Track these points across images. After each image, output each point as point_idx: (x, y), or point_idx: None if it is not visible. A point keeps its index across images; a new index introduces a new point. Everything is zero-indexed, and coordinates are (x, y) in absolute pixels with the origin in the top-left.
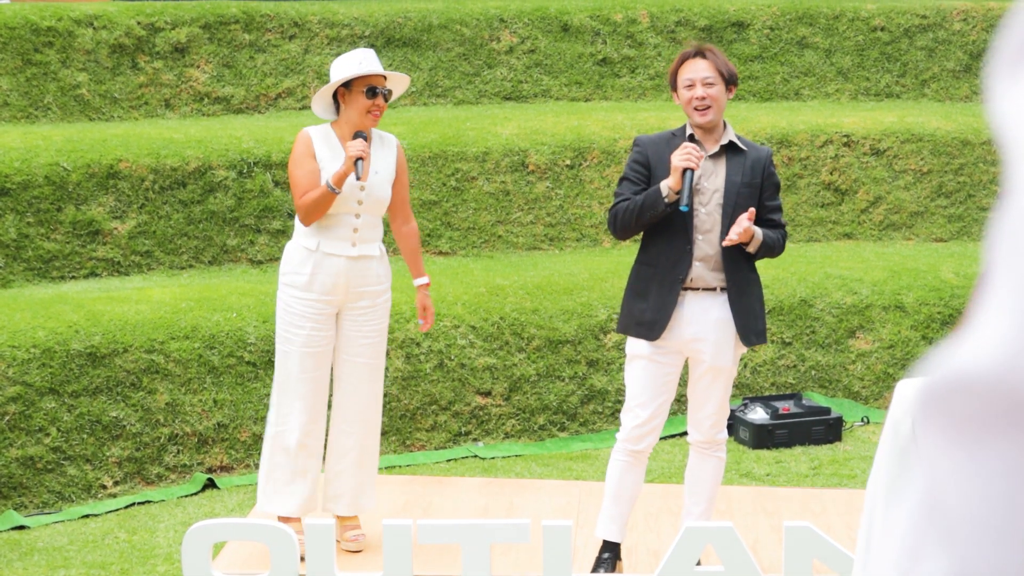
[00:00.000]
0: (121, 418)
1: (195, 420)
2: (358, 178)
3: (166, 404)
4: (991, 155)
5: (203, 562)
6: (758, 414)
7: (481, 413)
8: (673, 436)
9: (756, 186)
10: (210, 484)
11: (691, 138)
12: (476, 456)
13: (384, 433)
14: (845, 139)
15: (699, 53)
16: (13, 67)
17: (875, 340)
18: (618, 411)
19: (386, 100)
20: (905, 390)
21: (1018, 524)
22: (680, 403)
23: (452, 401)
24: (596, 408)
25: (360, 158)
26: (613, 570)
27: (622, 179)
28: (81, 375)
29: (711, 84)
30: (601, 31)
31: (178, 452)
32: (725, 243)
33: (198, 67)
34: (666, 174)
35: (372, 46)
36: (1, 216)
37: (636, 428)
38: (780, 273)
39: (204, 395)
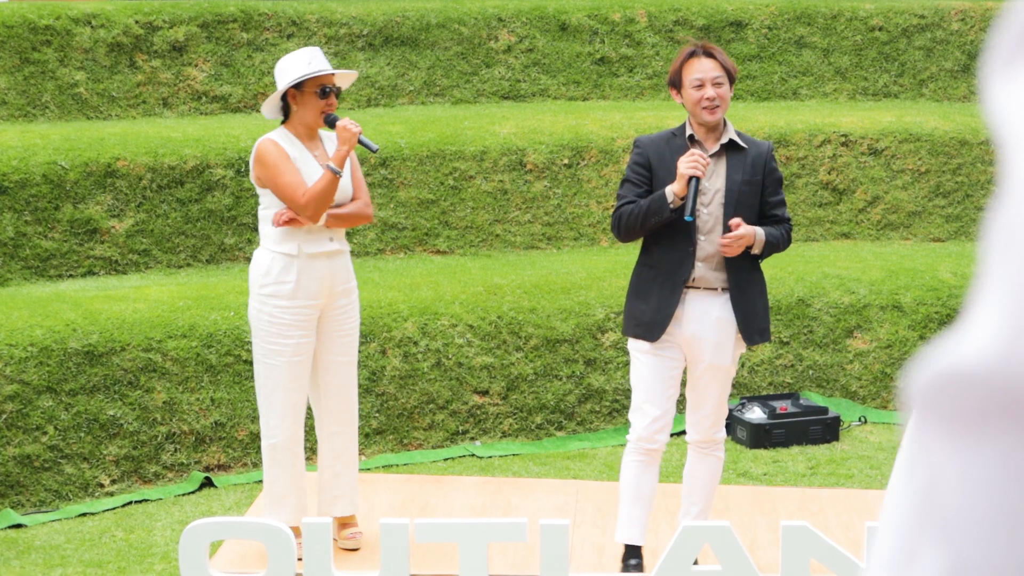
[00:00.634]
0: (118, 417)
1: (192, 419)
2: (374, 150)
3: (163, 403)
4: (989, 155)
5: (200, 561)
6: (756, 414)
7: (478, 412)
8: (672, 436)
9: (758, 183)
10: (207, 483)
11: (691, 138)
12: (473, 455)
13: (381, 432)
14: (843, 139)
15: (705, 52)
16: (11, 66)
17: (873, 340)
18: (616, 410)
19: (337, 97)
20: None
21: (1014, 518)
22: (680, 403)
23: (449, 400)
24: (594, 407)
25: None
26: (642, 572)
27: (624, 181)
28: (78, 374)
29: (720, 84)
30: (599, 30)
31: (175, 451)
32: (723, 252)
33: (196, 66)
34: (668, 174)
35: (371, 45)
36: None
37: (648, 426)
38: (778, 273)
39: (201, 394)
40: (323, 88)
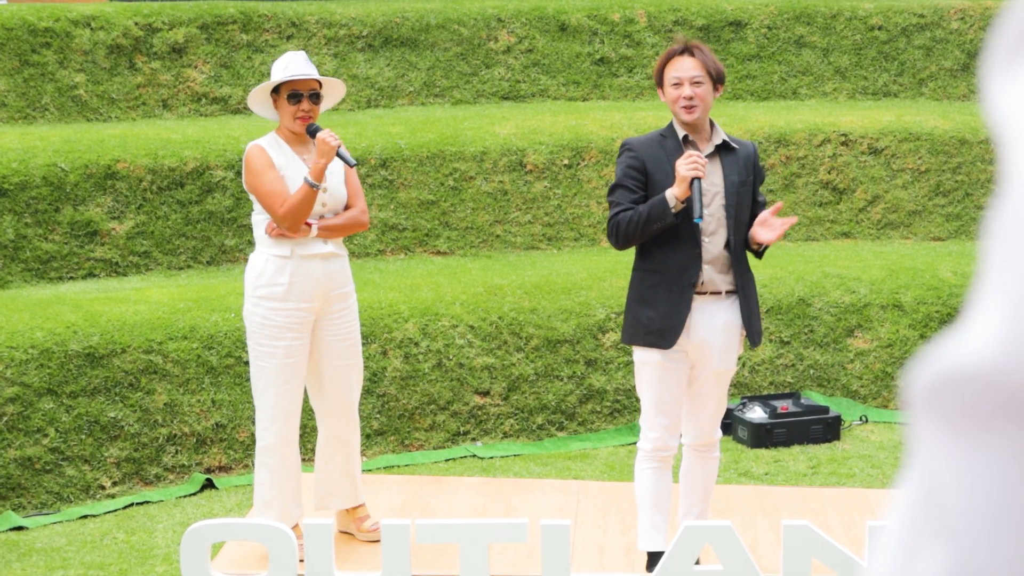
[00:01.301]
0: (119, 418)
1: (193, 420)
2: (352, 165)
3: (164, 404)
4: (989, 154)
5: (202, 562)
6: (756, 413)
7: (479, 413)
8: None
9: (750, 183)
10: (208, 484)
11: (685, 139)
12: (474, 456)
13: (382, 433)
14: (843, 138)
15: (687, 50)
16: (11, 68)
17: (873, 339)
18: (617, 411)
19: (316, 102)
20: None
21: (1016, 517)
22: None
23: (450, 401)
24: (594, 408)
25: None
26: None
27: (616, 186)
28: (79, 376)
29: (699, 83)
30: (599, 31)
31: (176, 452)
32: (764, 241)
33: (196, 67)
34: (664, 177)
35: (370, 46)
36: None
37: (660, 436)
38: (778, 272)
39: (202, 395)
40: (293, 92)
